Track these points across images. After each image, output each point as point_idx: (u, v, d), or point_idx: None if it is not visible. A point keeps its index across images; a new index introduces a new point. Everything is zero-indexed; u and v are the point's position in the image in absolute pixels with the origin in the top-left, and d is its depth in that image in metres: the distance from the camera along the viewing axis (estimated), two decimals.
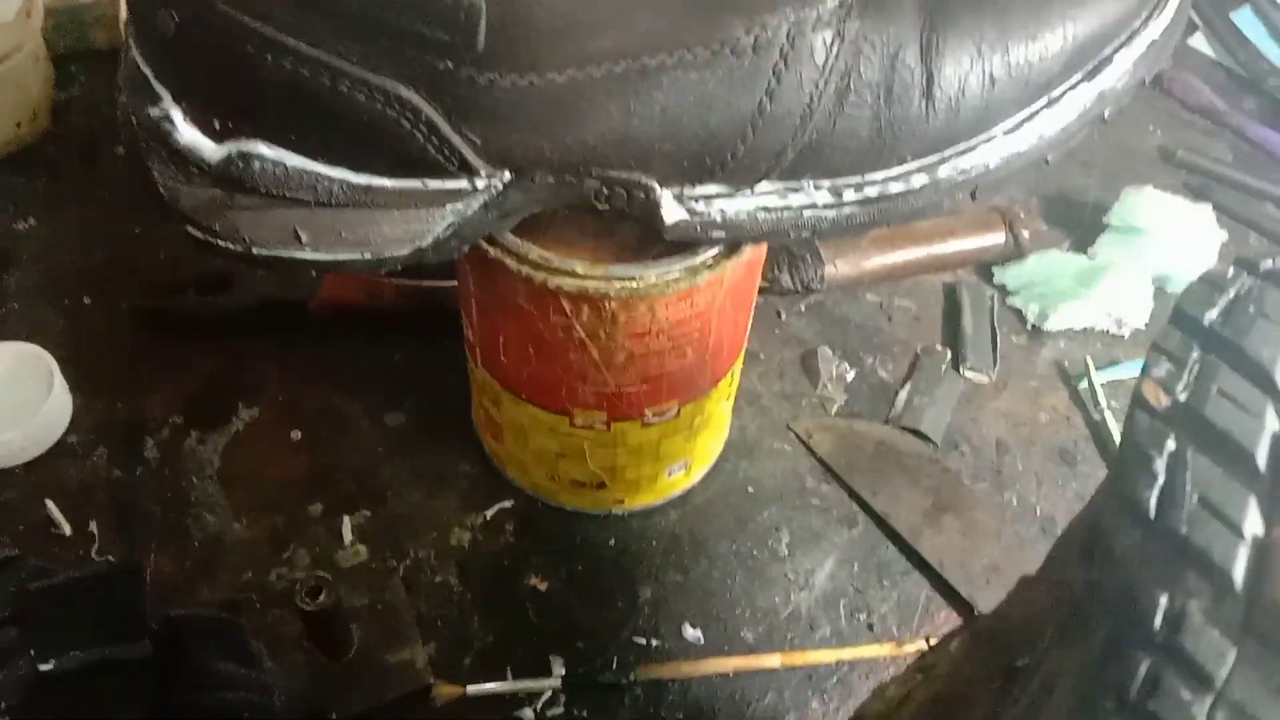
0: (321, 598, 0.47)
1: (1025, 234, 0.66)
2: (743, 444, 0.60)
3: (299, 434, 0.59)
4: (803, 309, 0.67)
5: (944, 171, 0.44)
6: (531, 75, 0.36)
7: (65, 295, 0.63)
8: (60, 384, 0.57)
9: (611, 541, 0.56)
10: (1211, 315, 0.30)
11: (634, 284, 0.44)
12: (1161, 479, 0.25)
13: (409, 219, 0.41)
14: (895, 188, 0.44)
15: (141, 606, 0.50)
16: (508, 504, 0.57)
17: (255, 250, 0.40)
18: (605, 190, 0.41)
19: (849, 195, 0.44)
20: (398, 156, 0.38)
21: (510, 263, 0.44)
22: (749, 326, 0.53)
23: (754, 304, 0.52)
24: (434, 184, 0.40)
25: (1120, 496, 0.25)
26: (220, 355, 0.61)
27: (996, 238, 0.66)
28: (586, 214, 0.43)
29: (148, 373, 0.60)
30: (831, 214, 0.44)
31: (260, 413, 0.59)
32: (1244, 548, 0.24)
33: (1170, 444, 0.26)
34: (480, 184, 0.40)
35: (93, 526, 0.54)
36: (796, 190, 0.44)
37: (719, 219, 0.43)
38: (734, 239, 0.44)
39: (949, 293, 0.68)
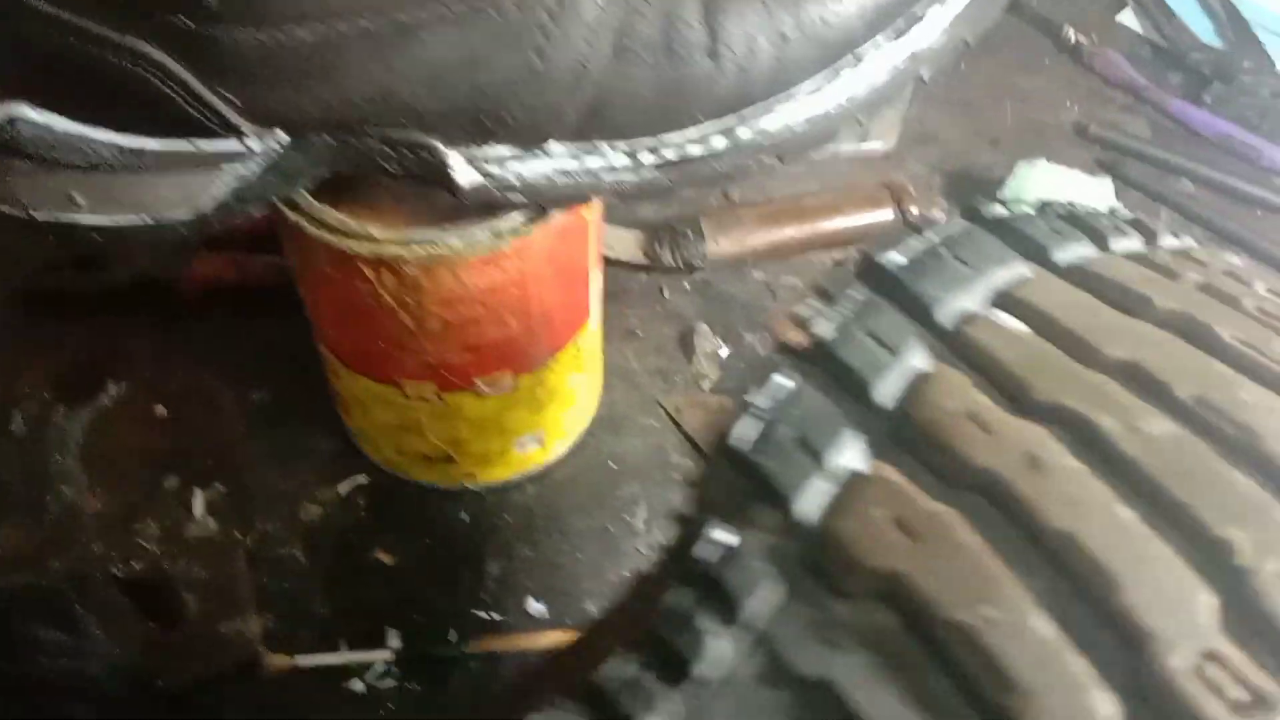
0: (134, 565, 0.47)
1: (914, 210, 0.64)
2: (610, 420, 0.60)
3: (163, 410, 0.59)
4: (687, 286, 0.66)
5: (744, 134, 0.43)
6: (273, 31, 0.35)
7: None
8: None
9: (464, 516, 0.56)
10: (895, 259, 0.29)
11: (434, 249, 0.43)
12: (766, 417, 0.24)
13: (185, 182, 0.41)
14: (694, 150, 0.43)
15: None
16: (362, 479, 0.57)
17: (34, 214, 0.41)
18: (390, 151, 0.41)
19: (646, 158, 0.43)
20: (159, 118, 0.38)
21: (310, 228, 0.44)
22: (590, 299, 0.52)
23: (591, 275, 0.51)
24: (204, 145, 0.40)
25: (722, 436, 0.24)
26: (93, 332, 0.62)
27: (885, 214, 0.65)
28: (398, 181, 0.43)
29: (23, 350, 0.61)
30: (631, 177, 0.43)
31: (127, 389, 0.60)
32: (825, 482, 0.23)
33: (786, 384, 0.25)
34: (254, 145, 0.40)
35: None
36: (591, 153, 0.43)
37: (515, 182, 0.43)
38: (536, 203, 0.44)
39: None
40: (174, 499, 0.56)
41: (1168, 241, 0.35)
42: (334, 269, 0.45)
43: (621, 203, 0.45)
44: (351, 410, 0.55)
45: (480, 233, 0.44)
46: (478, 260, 0.44)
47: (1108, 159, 0.71)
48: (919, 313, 0.28)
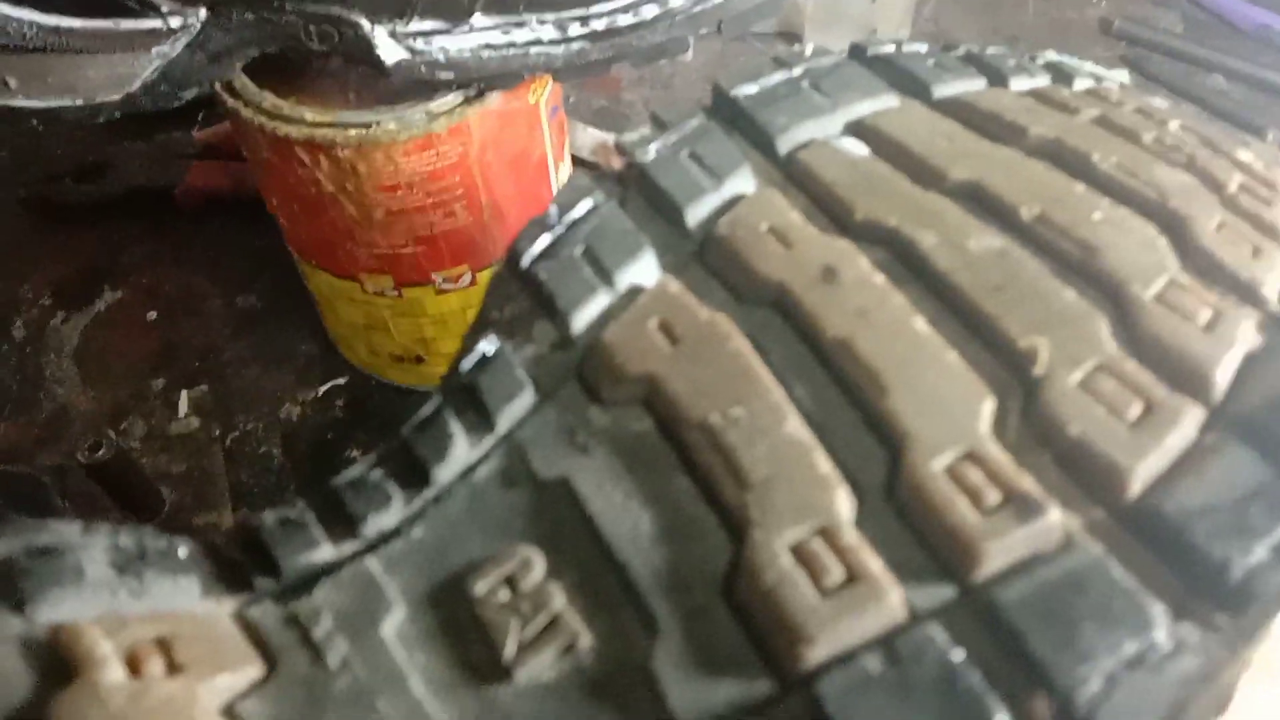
0: (100, 453, 0.49)
1: None
2: None
3: (155, 314, 0.60)
4: None
5: (675, 1, 0.42)
6: None
7: None
8: None
9: None
10: (747, 90, 0.27)
11: (366, 131, 0.43)
12: (555, 232, 0.23)
13: (113, 62, 0.41)
14: (625, 20, 0.42)
15: None
16: (341, 381, 0.57)
17: None
18: (311, 27, 0.41)
19: (575, 30, 0.42)
20: None
21: (246, 112, 0.44)
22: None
23: (554, 172, 0.50)
24: (126, 24, 0.40)
25: (510, 248, 0.23)
26: (93, 241, 0.63)
27: None
28: (326, 60, 0.42)
29: (26, 258, 0.63)
30: (560, 50, 0.42)
31: (123, 295, 0.61)
32: (606, 296, 0.22)
33: (588, 202, 0.24)
34: (175, 23, 0.40)
35: None
36: (519, 25, 0.42)
37: (442, 58, 0.42)
38: (464, 80, 0.43)
39: None
40: (160, 399, 0.57)
41: (1082, 84, 0.32)
42: (275, 155, 0.44)
43: (555, 79, 0.44)
44: (325, 311, 0.55)
45: (414, 114, 0.43)
46: (413, 143, 0.43)
47: (1133, 55, 0.67)
48: (760, 142, 0.26)
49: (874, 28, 0.67)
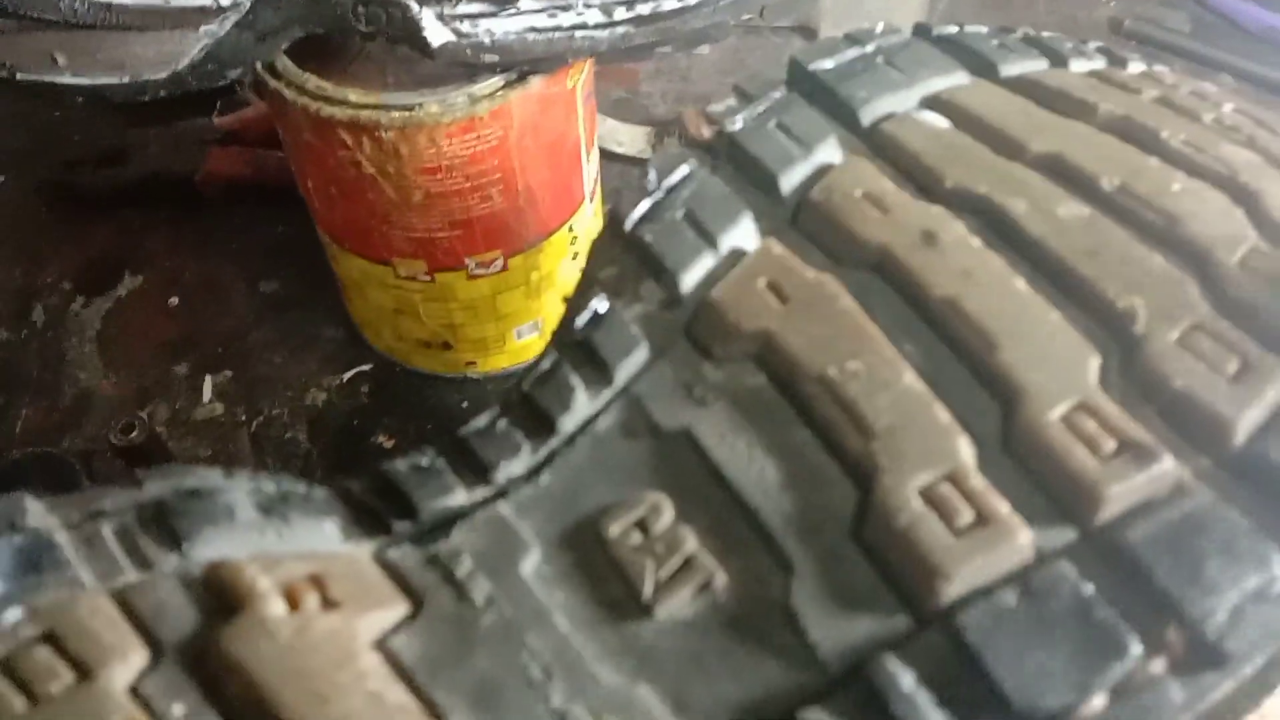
0: (134, 435, 0.49)
1: None
2: None
3: (176, 300, 0.60)
4: None
5: None
6: None
7: None
8: None
9: (464, 404, 0.56)
10: (824, 65, 0.28)
11: (410, 113, 0.43)
12: (655, 197, 0.24)
13: (161, 40, 0.41)
14: (669, 5, 0.43)
15: None
16: (366, 367, 0.58)
17: (18, 75, 0.41)
18: (360, 8, 0.41)
19: (620, 13, 0.43)
20: None
21: (289, 94, 0.44)
22: (584, 184, 0.52)
23: (585, 159, 0.51)
24: (176, 2, 0.40)
25: (612, 213, 0.24)
26: (114, 227, 0.63)
27: None
28: (371, 41, 0.43)
29: (47, 243, 0.63)
30: (605, 34, 0.43)
31: (143, 280, 0.61)
32: (710, 258, 0.22)
33: (683, 169, 0.24)
34: (225, 1, 0.40)
35: None
36: (565, 9, 0.42)
37: (488, 40, 0.42)
38: (509, 63, 0.43)
39: None
40: (184, 384, 0.57)
41: (1136, 67, 0.33)
42: (316, 137, 0.45)
43: (599, 62, 0.45)
44: (352, 296, 0.55)
45: (457, 97, 0.43)
46: (455, 126, 0.44)
47: (1144, 54, 0.68)
48: (842, 113, 0.27)
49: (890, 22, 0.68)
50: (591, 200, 0.54)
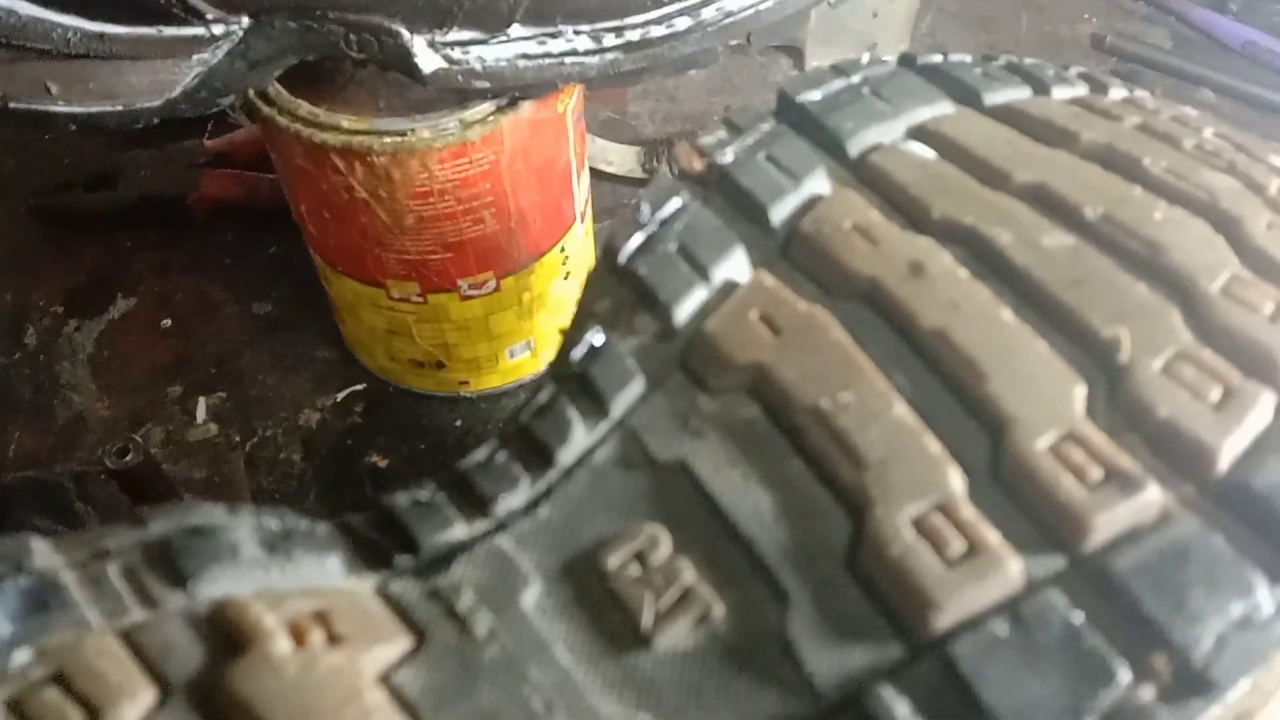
0: (128, 458, 0.49)
1: None
2: None
3: (169, 322, 0.60)
4: None
5: (707, 13, 0.43)
6: None
7: None
8: None
9: (457, 423, 0.56)
10: (811, 96, 0.28)
11: (402, 139, 0.44)
12: (648, 230, 0.24)
13: (155, 69, 0.42)
14: (657, 31, 0.43)
15: None
16: (359, 387, 0.58)
17: (11, 104, 0.42)
18: (352, 36, 0.41)
19: (609, 40, 0.43)
20: (123, 2, 0.39)
21: (282, 120, 0.44)
22: (575, 205, 0.52)
23: (575, 181, 0.51)
24: (169, 31, 0.41)
25: (606, 245, 0.24)
26: (105, 249, 0.64)
27: None
28: (363, 68, 0.43)
29: (37, 266, 0.63)
30: (595, 60, 0.43)
31: (136, 303, 0.61)
32: (703, 290, 0.23)
33: (676, 201, 0.25)
34: (218, 30, 0.41)
35: None
36: (555, 36, 0.43)
37: (479, 67, 0.43)
38: (499, 89, 0.44)
39: None
40: (178, 406, 0.57)
41: (1117, 93, 0.34)
42: (309, 163, 0.45)
43: (589, 88, 0.45)
44: (345, 317, 0.56)
45: (448, 122, 0.44)
46: (447, 151, 0.44)
47: (1125, 70, 0.69)
48: (830, 145, 0.27)
49: (874, 42, 0.69)
50: (583, 221, 0.54)
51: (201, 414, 0.57)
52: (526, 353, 0.57)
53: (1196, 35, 0.72)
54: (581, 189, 0.53)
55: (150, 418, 0.57)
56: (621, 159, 0.64)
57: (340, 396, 0.58)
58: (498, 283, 0.51)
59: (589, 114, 0.70)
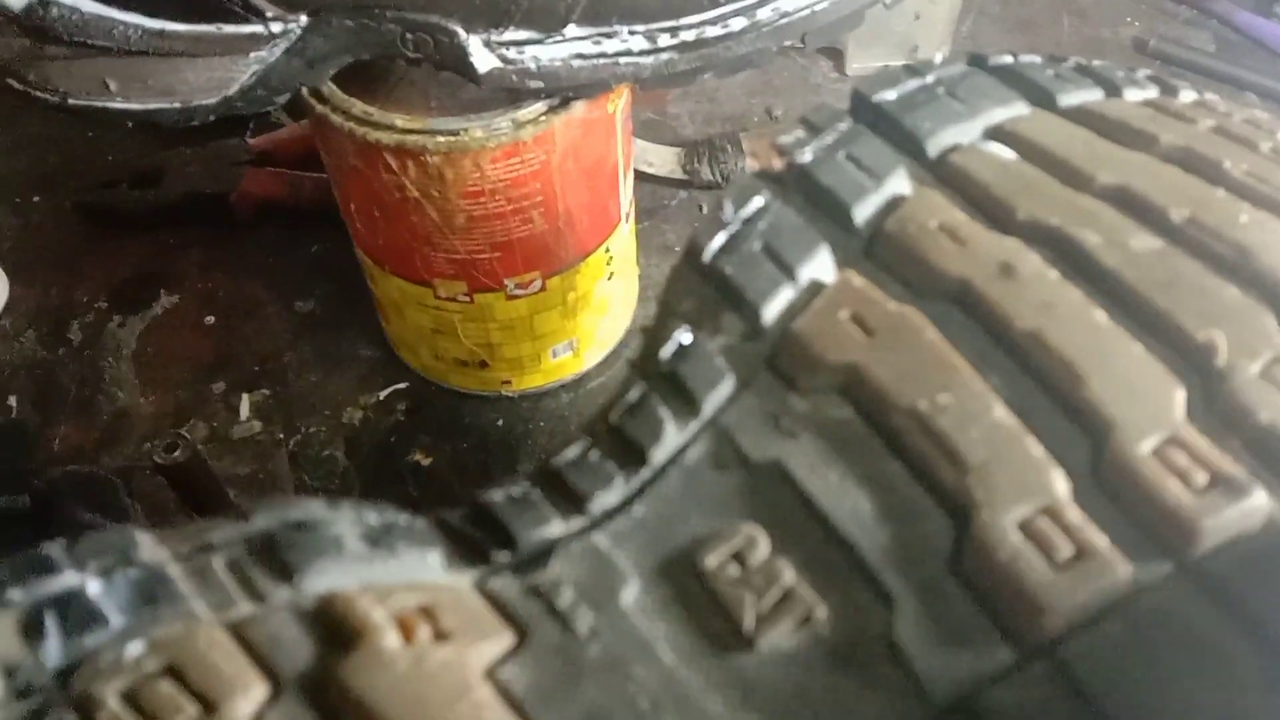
0: (177, 453, 0.49)
1: None
2: None
3: (212, 319, 0.61)
4: None
5: (763, 14, 0.43)
6: None
7: (16, 195, 0.67)
8: None
9: (499, 422, 0.56)
10: (887, 96, 0.28)
11: (455, 138, 0.44)
12: (732, 229, 0.24)
13: (213, 66, 0.42)
14: (712, 32, 0.43)
15: (23, 466, 0.52)
16: (402, 385, 0.58)
17: (70, 101, 0.42)
18: (409, 35, 0.41)
19: (664, 40, 0.43)
20: (184, 0, 0.39)
21: (335, 118, 0.44)
22: (620, 205, 0.52)
23: (621, 180, 0.51)
24: (229, 29, 0.41)
25: (690, 244, 0.24)
26: (149, 246, 0.64)
27: None
28: (418, 67, 0.43)
29: (82, 262, 0.63)
30: (649, 60, 0.43)
31: (179, 299, 0.62)
32: (790, 290, 0.23)
33: (758, 200, 0.24)
34: (276, 28, 0.41)
35: (11, 400, 0.57)
36: (610, 36, 0.43)
37: (534, 67, 0.43)
38: (553, 89, 0.44)
39: None
40: (221, 402, 0.57)
41: (1188, 95, 0.33)
42: (361, 161, 0.45)
43: (642, 88, 0.45)
44: (389, 316, 0.56)
45: (501, 122, 0.44)
46: (500, 150, 0.44)
47: (1167, 74, 0.68)
48: (908, 145, 0.27)
49: (915, 45, 0.68)
50: (627, 221, 0.54)
51: (245, 411, 0.57)
52: (569, 353, 0.57)
53: (1240, 38, 0.72)
54: (627, 189, 0.53)
55: (194, 414, 0.57)
56: (662, 160, 0.64)
57: (383, 395, 0.58)
58: (543, 282, 0.51)
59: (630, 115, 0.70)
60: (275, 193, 0.63)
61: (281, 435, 0.56)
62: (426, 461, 0.55)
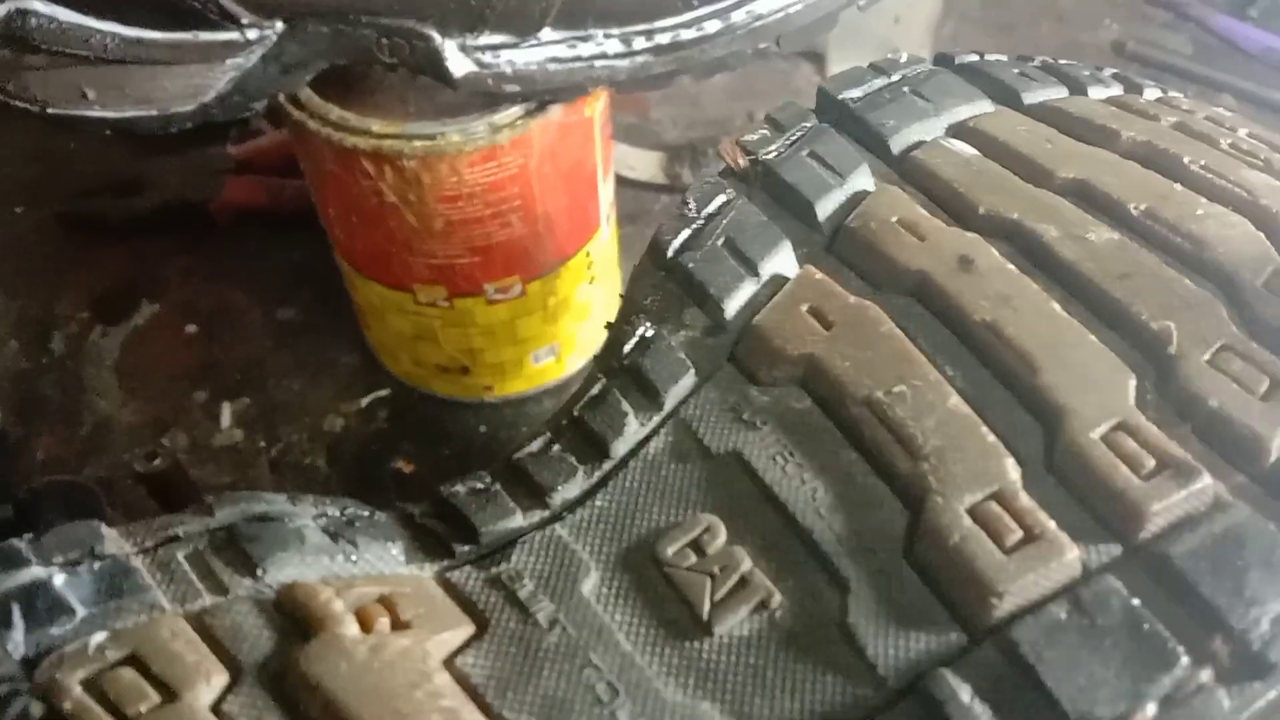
0: (156, 462, 0.49)
1: None
2: None
3: (194, 328, 0.61)
4: None
5: (738, 16, 0.43)
6: None
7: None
8: None
9: (482, 428, 0.57)
10: (852, 94, 0.28)
11: (432, 142, 0.44)
12: (694, 226, 0.24)
13: (190, 74, 0.42)
14: (687, 35, 0.43)
15: (5, 476, 0.52)
16: (384, 393, 0.58)
17: (49, 110, 0.42)
18: (384, 40, 0.42)
19: (639, 43, 0.43)
20: (160, 7, 0.39)
21: (312, 124, 0.45)
22: (600, 209, 0.52)
23: (600, 184, 0.51)
24: (204, 36, 0.41)
25: (653, 241, 0.24)
26: (130, 255, 0.64)
27: None
28: (395, 72, 0.43)
29: (63, 272, 0.63)
30: (625, 63, 0.43)
31: (160, 309, 0.62)
32: (751, 284, 0.23)
33: (721, 197, 0.25)
34: (252, 35, 0.41)
35: None
36: (585, 39, 0.43)
37: (509, 71, 0.43)
38: (529, 92, 0.44)
39: None
40: (202, 411, 0.57)
41: (1152, 93, 0.34)
42: (338, 167, 0.45)
43: (618, 91, 0.46)
44: (370, 322, 0.56)
45: (478, 126, 0.44)
46: (477, 154, 0.44)
47: (1145, 76, 0.69)
48: (872, 142, 0.28)
49: (895, 47, 0.69)
50: (608, 225, 0.55)
51: (226, 419, 0.57)
52: (551, 358, 0.57)
53: (1217, 41, 0.72)
54: (607, 193, 0.53)
55: (175, 423, 0.57)
56: (644, 165, 0.64)
57: (364, 402, 0.58)
58: (523, 287, 0.52)
59: (612, 119, 0.70)
60: (256, 200, 0.64)
61: (263, 443, 0.56)
62: (409, 469, 0.55)
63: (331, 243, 0.52)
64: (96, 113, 0.42)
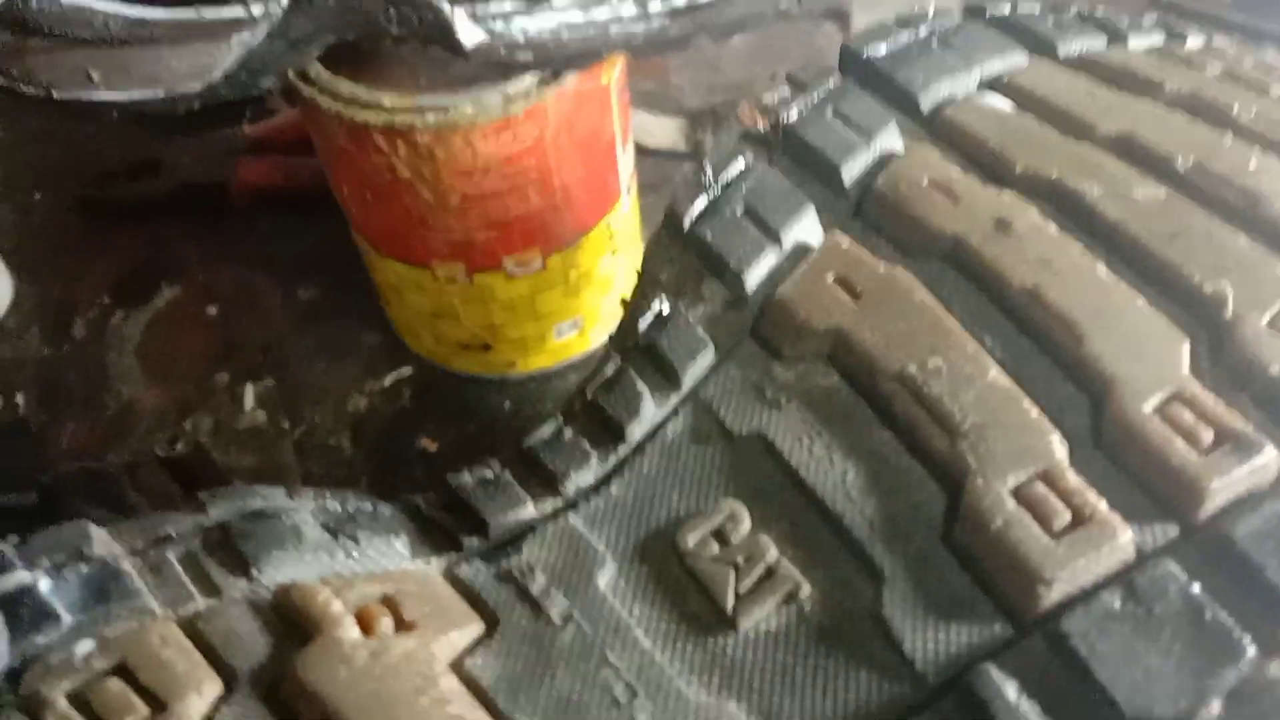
0: (179, 446, 0.48)
1: None
2: None
3: (214, 310, 0.60)
4: None
5: None
6: None
7: (19, 192, 0.67)
8: (2, 272, 0.60)
9: (506, 404, 0.56)
10: (878, 50, 0.27)
11: (445, 115, 0.43)
12: (711, 194, 0.23)
13: (195, 52, 0.41)
14: None
15: (30, 463, 0.52)
16: (407, 371, 0.57)
17: (55, 93, 0.41)
18: (392, 11, 0.40)
19: (655, 6, 0.42)
20: None
21: (323, 100, 0.44)
22: (619, 179, 0.51)
23: (620, 155, 0.50)
24: (209, 13, 0.40)
25: (668, 211, 0.23)
26: (147, 239, 0.63)
27: None
28: (404, 44, 0.42)
29: (83, 258, 0.63)
30: (640, 27, 0.42)
31: (180, 291, 0.61)
32: (774, 254, 0.21)
33: (740, 163, 0.23)
34: (257, 11, 0.40)
35: (19, 398, 0.57)
36: (599, 3, 0.42)
37: (521, 39, 0.42)
38: (543, 61, 0.43)
39: None
40: (225, 393, 0.57)
41: (1196, 41, 0.32)
42: (351, 143, 0.44)
43: (635, 57, 0.44)
44: (390, 300, 0.55)
45: (491, 96, 0.43)
46: (491, 126, 0.43)
47: (1182, 26, 0.66)
48: (900, 100, 0.26)
49: (924, 1, 0.67)
50: (628, 195, 0.53)
51: (249, 401, 0.57)
52: (574, 331, 0.56)
53: None
54: (626, 163, 0.52)
55: (199, 406, 0.57)
56: (664, 132, 0.63)
57: (388, 381, 0.57)
58: (544, 261, 0.50)
59: (630, 86, 0.69)
60: (272, 180, 0.63)
61: (287, 425, 0.55)
62: (434, 447, 0.55)
63: (348, 221, 0.52)
64: (103, 95, 0.42)
